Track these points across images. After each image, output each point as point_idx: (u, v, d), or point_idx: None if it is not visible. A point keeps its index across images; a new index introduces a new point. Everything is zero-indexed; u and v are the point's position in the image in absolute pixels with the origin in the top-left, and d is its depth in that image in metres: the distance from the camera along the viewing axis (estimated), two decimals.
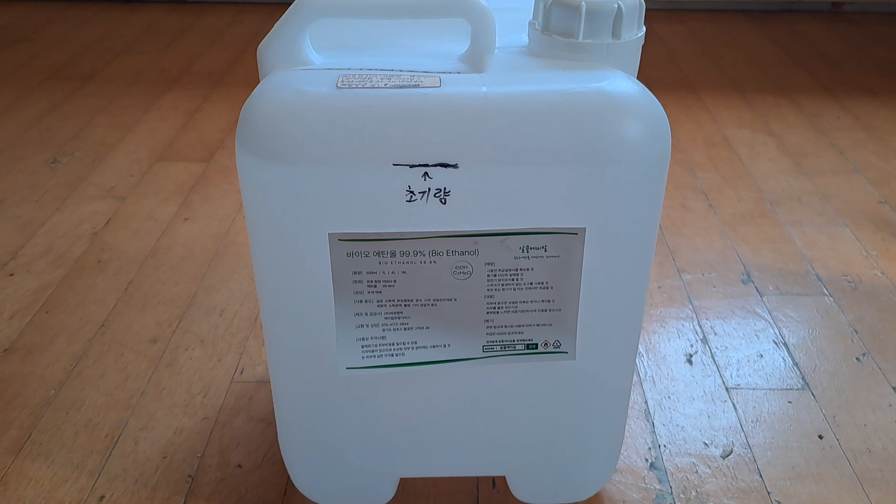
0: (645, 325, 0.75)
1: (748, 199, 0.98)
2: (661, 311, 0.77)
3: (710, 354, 0.71)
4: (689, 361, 0.70)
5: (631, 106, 0.42)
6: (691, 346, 0.72)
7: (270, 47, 0.46)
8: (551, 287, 0.45)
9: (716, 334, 0.74)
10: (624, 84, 0.43)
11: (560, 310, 0.45)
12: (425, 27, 0.50)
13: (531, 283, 0.44)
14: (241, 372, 0.68)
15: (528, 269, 0.44)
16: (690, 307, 0.77)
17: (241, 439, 0.61)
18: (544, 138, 0.41)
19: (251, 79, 1.33)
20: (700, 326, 0.75)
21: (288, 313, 0.46)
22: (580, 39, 0.44)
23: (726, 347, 0.72)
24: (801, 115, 1.21)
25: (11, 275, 0.81)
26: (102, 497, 0.56)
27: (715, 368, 0.69)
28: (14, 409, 0.64)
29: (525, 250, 0.43)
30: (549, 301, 0.45)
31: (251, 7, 1.71)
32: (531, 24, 0.47)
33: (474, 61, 0.46)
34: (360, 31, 0.50)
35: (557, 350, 0.47)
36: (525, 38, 0.49)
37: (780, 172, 1.04)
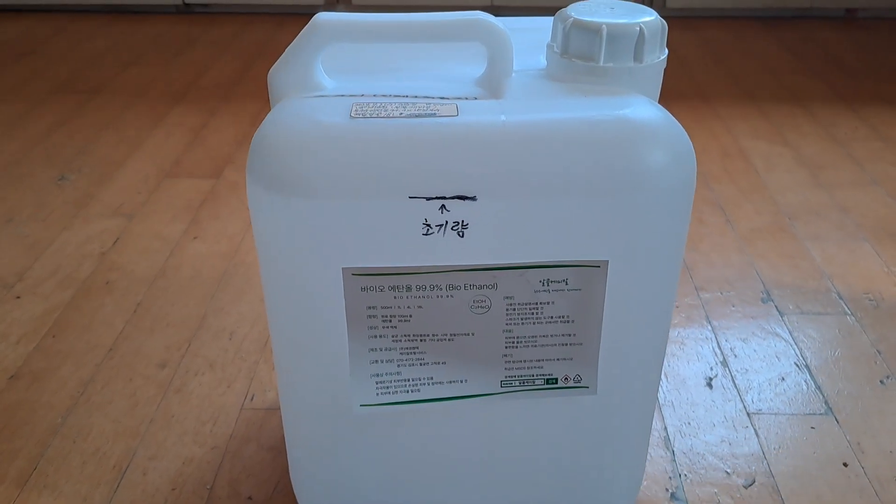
0: None
1: (765, 212, 0.96)
2: (679, 333, 0.75)
3: (730, 378, 0.69)
4: (710, 385, 0.69)
5: (654, 133, 0.40)
6: (711, 368, 0.70)
7: (282, 73, 0.45)
8: (572, 321, 0.43)
9: (736, 356, 0.72)
10: (647, 110, 0.41)
11: (581, 344, 0.44)
12: (440, 48, 0.49)
13: (551, 317, 0.43)
14: (252, 399, 0.67)
15: (548, 303, 0.42)
16: (709, 327, 0.76)
17: (251, 469, 0.60)
18: (566, 168, 0.39)
19: (258, 92, 1.32)
20: (720, 348, 0.73)
21: (300, 348, 0.45)
22: (601, 63, 0.43)
23: (747, 370, 0.70)
24: (817, 125, 1.19)
25: (18, 297, 0.80)
26: None
27: (736, 392, 0.68)
28: (20, 437, 0.63)
29: (545, 284, 0.42)
30: (569, 335, 0.44)
31: (258, 17, 1.70)
32: (549, 46, 0.46)
33: (491, 86, 0.44)
34: (373, 52, 0.49)
35: (578, 385, 0.45)
36: (543, 61, 0.47)
37: (796, 185, 1.02)
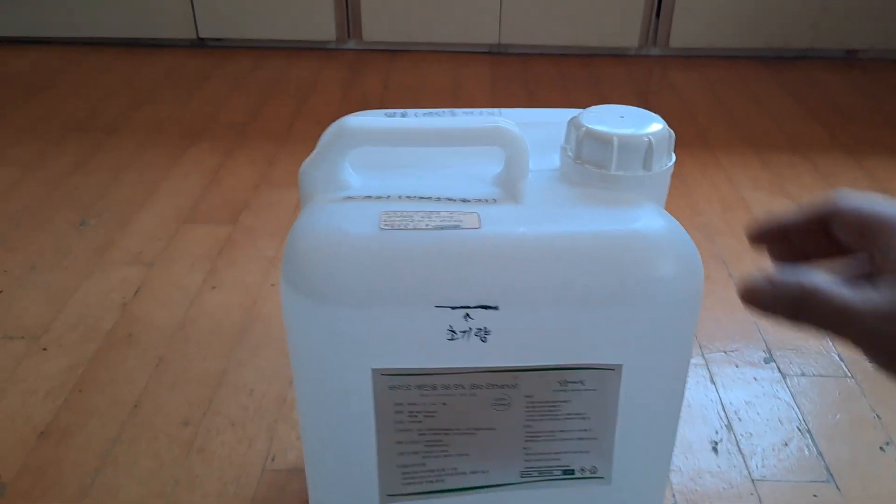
0: None
1: (767, 268, 0.98)
2: (686, 394, 0.77)
3: (735, 442, 0.72)
4: (715, 450, 0.71)
5: (664, 248, 0.43)
6: (716, 432, 0.73)
7: (311, 171, 0.48)
8: (588, 417, 0.46)
9: (740, 420, 0.74)
10: (657, 223, 0.44)
11: (597, 438, 0.46)
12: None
13: (569, 414, 0.46)
14: (273, 459, 0.70)
15: (566, 402, 0.45)
16: (714, 389, 0.78)
17: None
18: (582, 279, 0.42)
19: (272, 132, 1.35)
20: (724, 411, 0.75)
21: (330, 441, 0.47)
22: (612, 171, 0.46)
23: (751, 434, 0.73)
24: (818, 175, 1.22)
25: (45, 349, 0.82)
26: None
27: (741, 458, 0.70)
28: (51, 499, 0.65)
29: (563, 384, 0.45)
30: (586, 430, 0.46)
31: (271, 52, 1.73)
32: (563, 149, 0.49)
33: (509, 187, 0.47)
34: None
35: (594, 475, 0.48)
36: (556, 160, 0.50)
37: None
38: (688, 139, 1.34)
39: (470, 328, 0.43)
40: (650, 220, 0.44)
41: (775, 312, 0.30)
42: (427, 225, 0.43)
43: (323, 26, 1.71)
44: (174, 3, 1.69)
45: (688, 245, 0.43)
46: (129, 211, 1.09)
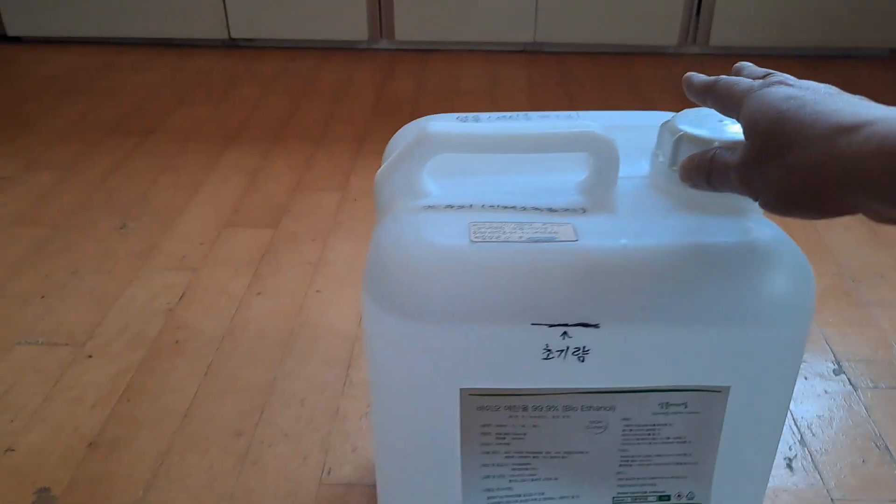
0: None
1: (827, 274, 0.95)
2: None
3: (810, 459, 0.69)
4: (790, 467, 0.68)
5: (777, 261, 0.40)
6: (790, 448, 0.70)
7: (389, 179, 0.45)
8: (689, 441, 0.43)
9: (813, 434, 0.71)
10: (766, 233, 0.41)
11: (696, 463, 0.44)
12: None
13: (668, 438, 0.43)
14: (328, 473, 0.67)
15: (666, 425, 0.42)
16: None
17: None
18: (689, 296, 0.39)
19: (307, 133, 1.33)
20: (797, 425, 0.72)
21: (410, 463, 0.45)
22: None
23: (826, 451, 0.70)
24: None
25: (90, 356, 0.81)
26: None
27: (818, 476, 0.67)
28: None
29: (664, 406, 0.42)
30: (685, 455, 0.43)
31: (302, 52, 1.71)
32: (654, 154, 0.46)
33: (597, 196, 0.44)
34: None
35: (691, 501, 0.45)
36: (643, 166, 0.47)
37: (857, 243, 1.01)
38: None
39: (567, 347, 0.40)
40: (759, 230, 0.41)
41: (698, 179, 0.40)
42: (520, 237, 0.40)
43: (355, 25, 1.69)
44: (206, 3, 1.67)
45: (799, 257, 0.41)
46: (169, 214, 1.07)
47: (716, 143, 0.42)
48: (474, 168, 0.48)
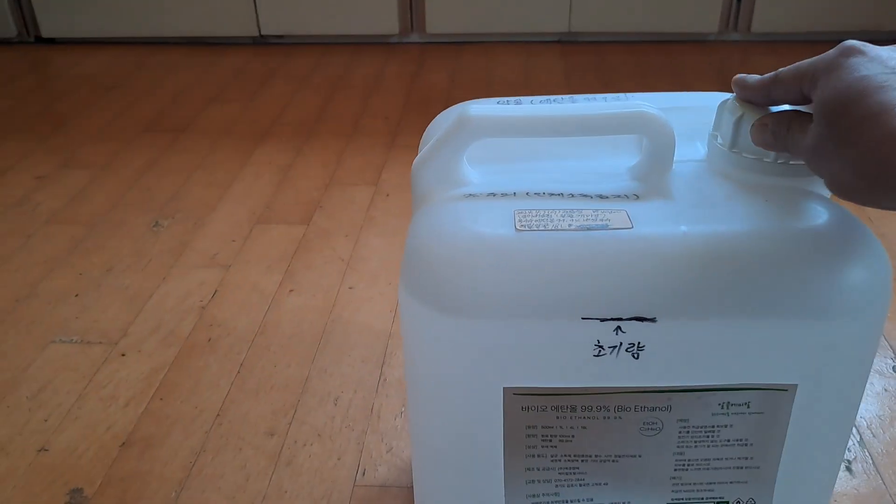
0: None
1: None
2: None
3: (870, 461, 0.65)
4: (849, 469, 0.64)
5: (853, 249, 0.37)
6: (849, 450, 0.66)
7: (427, 166, 0.43)
8: (751, 444, 0.40)
9: (874, 435, 0.67)
10: (838, 219, 0.38)
11: (758, 467, 0.41)
12: None
13: (728, 440, 0.40)
14: (363, 474, 0.65)
15: (726, 426, 0.39)
16: None
17: None
18: (754, 287, 0.36)
19: (340, 129, 1.31)
20: (856, 426, 0.68)
21: (450, 464, 0.42)
22: (776, 161, 0.40)
23: (888, 452, 0.66)
24: None
25: (123, 355, 0.80)
26: None
27: (880, 480, 0.63)
28: None
29: (725, 406, 0.39)
30: (746, 458, 0.40)
31: (333, 48, 1.70)
32: (712, 136, 0.43)
33: (652, 181, 0.41)
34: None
35: None
36: (698, 148, 0.44)
37: None
38: None
39: (621, 343, 0.37)
40: (830, 216, 0.37)
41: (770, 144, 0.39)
42: (570, 225, 0.38)
43: (385, 19, 1.67)
44: (237, 1, 1.67)
45: (876, 246, 0.37)
46: (202, 212, 1.06)
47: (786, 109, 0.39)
48: (516, 155, 0.46)
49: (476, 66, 1.59)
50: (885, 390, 0.72)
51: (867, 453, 0.66)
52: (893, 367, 0.75)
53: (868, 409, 0.70)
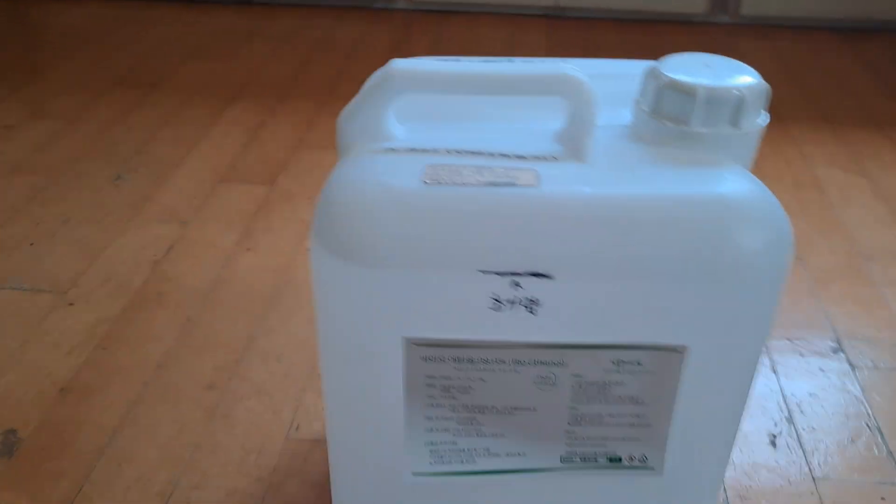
0: None
1: (840, 252, 0.91)
2: None
3: (795, 437, 0.66)
4: (773, 444, 0.65)
5: (752, 215, 0.37)
6: (775, 424, 0.67)
7: (352, 119, 0.43)
8: (643, 402, 0.40)
9: (802, 412, 0.68)
10: (746, 187, 0.38)
11: (650, 425, 0.41)
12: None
13: (621, 397, 0.40)
14: (297, 429, 0.66)
15: (618, 384, 0.40)
16: (775, 378, 0.72)
17: None
18: (652, 249, 0.37)
19: (314, 92, 1.31)
20: (786, 402, 0.69)
21: (355, 412, 0.43)
22: (695, 128, 0.40)
23: (814, 429, 0.67)
24: None
25: (71, 304, 0.80)
26: None
27: (801, 454, 0.64)
28: (68, 457, 0.63)
29: (617, 364, 0.39)
30: (638, 416, 0.41)
31: (318, 11, 1.69)
32: (637, 103, 0.43)
33: (572, 144, 0.42)
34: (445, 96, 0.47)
35: (643, 465, 0.42)
36: (626, 115, 0.44)
37: (874, 221, 0.97)
38: None
39: (518, 298, 0.37)
40: (736, 183, 0.38)
41: None
42: (477, 181, 0.38)
43: None
44: None
45: (779, 214, 0.38)
46: (166, 168, 1.06)
47: (700, 90, 0.39)
48: (450, 115, 0.46)
49: (460, 37, 1.58)
50: (821, 370, 0.73)
51: (794, 429, 0.67)
52: (833, 349, 0.76)
53: (801, 387, 0.71)
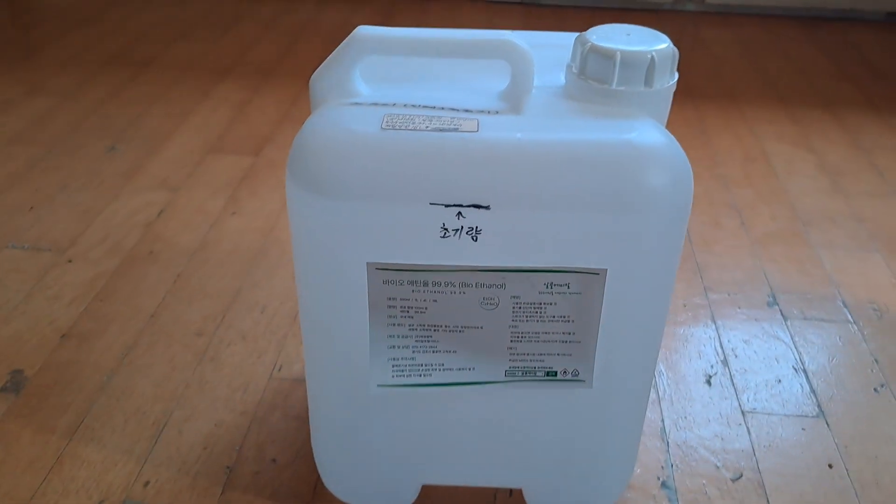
0: (668, 343, 0.77)
1: (781, 217, 0.98)
2: (684, 330, 0.79)
3: (728, 377, 0.73)
4: (708, 383, 0.73)
5: (656, 158, 0.44)
6: (711, 367, 0.74)
7: (322, 79, 0.50)
8: (572, 321, 0.47)
9: (736, 356, 0.76)
10: (652, 135, 0.45)
11: (580, 342, 0.48)
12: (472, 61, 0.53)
13: (553, 317, 0.47)
14: (279, 369, 0.73)
15: (551, 304, 0.47)
16: (714, 327, 0.79)
17: (276, 436, 0.66)
18: (572, 185, 0.44)
19: (299, 72, 1.37)
20: (722, 348, 0.77)
21: (326, 332, 0.50)
22: (614, 87, 0.47)
23: (745, 370, 0.74)
24: (844, 132, 1.21)
25: (70, 261, 0.86)
26: (147, 483, 0.61)
27: (733, 391, 0.72)
28: (70, 393, 0.69)
29: (549, 286, 0.46)
30: (569, 333, 0.48)
31: None
32: (569, 66, 0.50)
33: (512, 101, 0.48)
34: (409, 61, 0.53)
35: (576, 378, 0.50)
36: (562, 78, 0.51)
37: (816, 191, 1.04)
38: (714, 93, 1.33)
39: (462, 227, 0.44)
40: (645, 132, 0.45)
41: None
42: (427, 127, 0.45)
43: None
44: None
45: (680, 157, 0.45)
46: (157, 140, 1.12)
47: (618, 54, 0.46)
48: (412, 77, 0.52)
49: (440, 23, 1.64)
50: (756, 320, 0.81)
51: (728, 370, 0.74)
52: (768, 302, 0.83)
53: (737, 335, 0.79)
